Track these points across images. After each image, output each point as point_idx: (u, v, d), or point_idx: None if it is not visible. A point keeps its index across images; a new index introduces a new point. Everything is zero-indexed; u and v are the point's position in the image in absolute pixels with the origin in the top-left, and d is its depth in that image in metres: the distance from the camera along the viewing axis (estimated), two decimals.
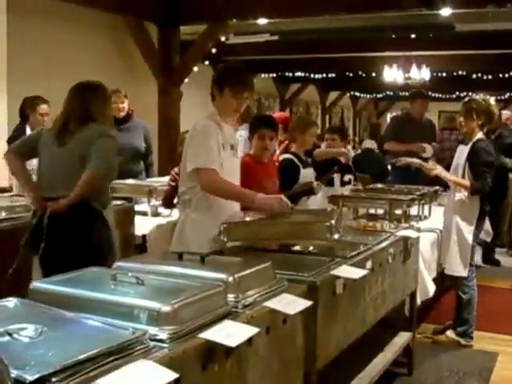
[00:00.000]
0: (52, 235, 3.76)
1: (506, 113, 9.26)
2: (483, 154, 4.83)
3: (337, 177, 6.11)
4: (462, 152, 4.96)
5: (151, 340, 1.84)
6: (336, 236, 3.07)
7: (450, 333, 5.06)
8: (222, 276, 2.29)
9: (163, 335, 1.87)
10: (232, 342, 1.93)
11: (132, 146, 6.21)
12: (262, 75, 15.35)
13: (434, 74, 13.77)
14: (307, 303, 2.42)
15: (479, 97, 5.03)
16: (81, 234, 3.78)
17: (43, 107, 6.12)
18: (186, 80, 8.65)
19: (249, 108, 6.22)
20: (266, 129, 4.41)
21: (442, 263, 5.16)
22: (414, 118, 7.42)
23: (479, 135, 4.93)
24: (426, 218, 5.58)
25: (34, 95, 6.19)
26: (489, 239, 5.55)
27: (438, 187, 6.08)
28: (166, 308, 1.92)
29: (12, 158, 4.11)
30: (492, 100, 5.05)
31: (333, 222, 3.09)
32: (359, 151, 9.70)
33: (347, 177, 6.15)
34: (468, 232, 4.92)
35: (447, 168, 5.16)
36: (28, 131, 6.12)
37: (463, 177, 4.88)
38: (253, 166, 4.35)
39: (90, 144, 3.81)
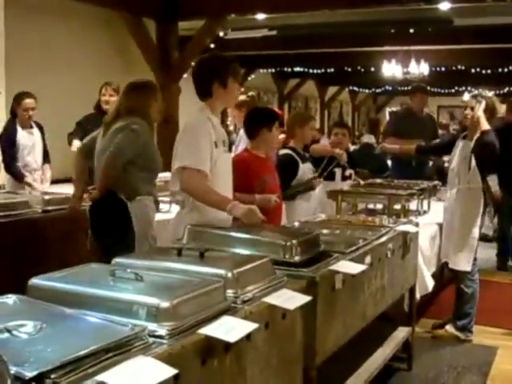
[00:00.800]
0: (92, 224, 4.25)
1: None
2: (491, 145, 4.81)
3: (338, 171, 6.11)
4: (466, 146, 4.92)
5: (150, 336, 1.84)
6: (298, 258, 2.79)
7: (449, 327, 5.06)
8: (221, 272, 2.29)
9: (162, 331, 1.87)
10: (231, 338, 1.93)
11: None
12: (261, 70, 15.33)
13: (433, 69, 13.77)
14: (306, 298, 2.42)
15: (485, 93, 5.02)
16: (106, 223, 4.15)
17: (27, 101, 6.10)
18: (185, 75, 8.65)
19: (255, 103, 6.24)
20: (264, 127, 4.42)
21: (441, 258, 5.16)
22: (414, 112, 7.36)
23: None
24: (425, 212, 5.58)
25: (22, 91, 6.19)
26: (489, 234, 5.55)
27: (437, 182, 6.08)
28: (165, 304, 1.91)
29: (78, 159, 4.57)
30: (495, 97, 5.05)
31: (294, 242, 2.83)
32: (358, 146, 9.69)
33: (348, 171, 6.15)
34: (474, 226, 4.92)
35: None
36: (18, 127, 6.13)
37: (469, 170, 4.86)
38: (253, 160, 4.34)
39: (113, 138, 4.13)
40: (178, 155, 3.49)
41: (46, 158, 6.46)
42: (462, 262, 4.94)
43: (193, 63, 8.92)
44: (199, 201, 3.49)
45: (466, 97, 5.22)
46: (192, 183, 3.44)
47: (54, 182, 6.61)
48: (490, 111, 4.92)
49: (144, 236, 4.13)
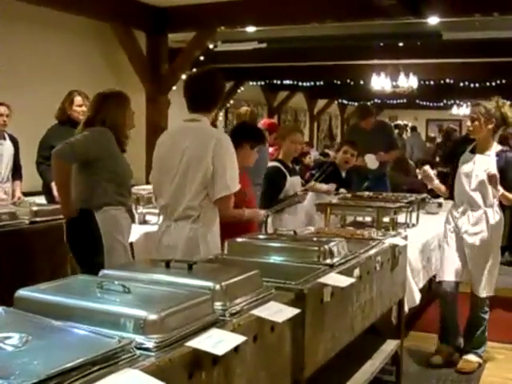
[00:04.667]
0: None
1: None
2: None
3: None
4: (481, 162, 4.51)
5: (138, 348, 1.82)
6: (330, 260, 3.07)
7: (471, 357, 4.74)
8: (209, 284, 2.27)
9: (150, 344, 1.85)
10: (219, 351, 1.91)
11: None
12: (250, 83, 15.37)
13: (422, 82, 13.84)
14: (295, 311, 2.41)
15: (491, 100, 4.53)
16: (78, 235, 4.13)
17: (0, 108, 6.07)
18: (174, 88, 8.66)
19: (253, 115, 6.28)
20: (247, 143, 4.35)
21: (458, 279, 4.76)
22: (362, 128, 7.81)
23: (497, 145, 4.58)
24: (413, 225, 5.59)
25: None
26: None
27: (425, 195, 6.10)
28: (153, 316, 1.90)
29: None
30: (507, 103, 4.54)
31: (327, 247, 3.10)
32: None
33: (341, 190, 6.16)
34: (499, 247, 4.73)
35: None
36: None
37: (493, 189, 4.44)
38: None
39: None
40: (230, 179, 3.49)
41: (16, 173, 6.26)
42: (488, 288, 4.63)
43: (183, 75, 8.94)
44: (237, 221, 3.71)
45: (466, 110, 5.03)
46: (230, 208, 3.59)
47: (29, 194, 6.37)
48: (498, 119, 4.47)
49: (114, 247, 4.01)
